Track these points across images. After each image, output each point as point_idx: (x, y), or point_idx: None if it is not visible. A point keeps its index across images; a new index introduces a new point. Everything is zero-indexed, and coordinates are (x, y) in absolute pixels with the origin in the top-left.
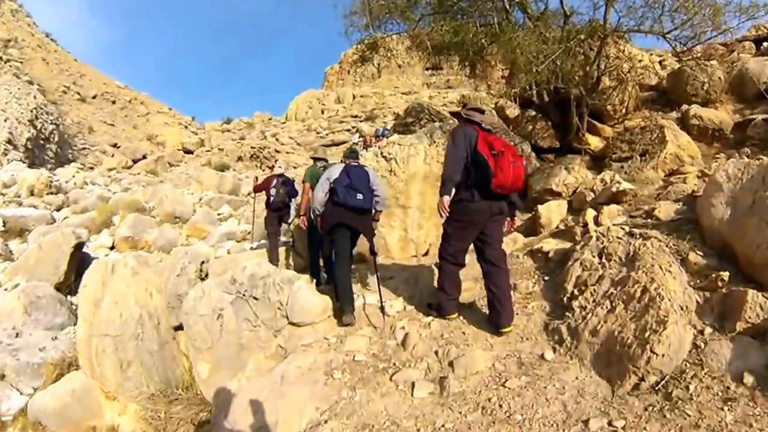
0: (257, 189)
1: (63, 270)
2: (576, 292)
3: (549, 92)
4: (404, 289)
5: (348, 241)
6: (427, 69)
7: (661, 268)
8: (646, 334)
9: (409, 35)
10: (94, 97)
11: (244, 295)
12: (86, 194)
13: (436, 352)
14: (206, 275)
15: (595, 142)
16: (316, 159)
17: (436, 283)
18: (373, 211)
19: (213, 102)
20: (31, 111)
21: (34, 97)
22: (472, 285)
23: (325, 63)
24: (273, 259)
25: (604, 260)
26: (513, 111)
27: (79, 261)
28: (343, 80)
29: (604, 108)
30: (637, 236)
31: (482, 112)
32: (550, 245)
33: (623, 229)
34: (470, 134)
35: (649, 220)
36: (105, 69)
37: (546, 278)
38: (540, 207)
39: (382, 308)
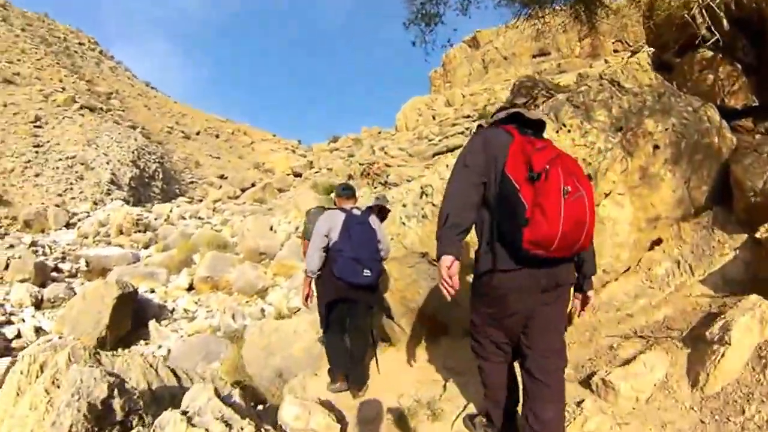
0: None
1: (104, 324)
2: None
3: (729, 12)
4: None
5: (345, 318)
6: (534, 56)
7: None
8: None
9: None
10: (197, 134)
11: None
12: (173, 231)
13: None
14: None
15: None
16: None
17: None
18: None
19: (317, 122)
20: (133, 152)
21: (135, 140)
22: None
23: (427, 67)
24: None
25: None
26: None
27: (134, 310)
28: (450, 82)
29: None
30: None
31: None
32: None
33: None
34: (496, 142)
35: None
36: (205, 106)
37: None
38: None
39: None
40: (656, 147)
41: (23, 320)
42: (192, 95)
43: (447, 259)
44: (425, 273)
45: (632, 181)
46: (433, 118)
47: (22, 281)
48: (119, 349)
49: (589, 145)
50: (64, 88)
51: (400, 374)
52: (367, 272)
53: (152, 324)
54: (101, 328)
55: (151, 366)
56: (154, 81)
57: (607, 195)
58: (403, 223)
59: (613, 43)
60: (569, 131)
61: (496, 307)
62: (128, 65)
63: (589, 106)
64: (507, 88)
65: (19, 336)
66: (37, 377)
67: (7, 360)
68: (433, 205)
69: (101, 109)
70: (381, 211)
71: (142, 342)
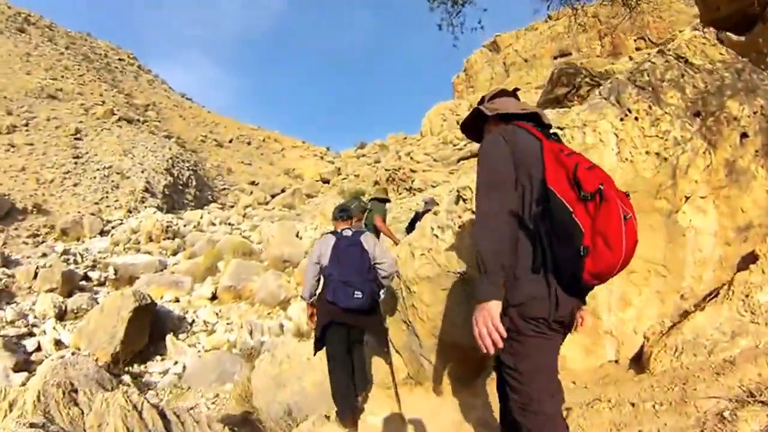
0: None
1: (119, 339)
2: None
3: None
4: None
5: (344, 341)
6: (555, 57)
7: None
8: None
9: None
10: (230, 142)
11: None
12: (201, 237)
13: None
14: None
15: None
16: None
17: None
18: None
19: (346, 130)
20: (167, 161)
21: (170, 149)
22: None
23: (449, 73)
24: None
25: None
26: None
27: (153, 323)
28: (472, 87)
29: None
30: None
31: (512, 94)
32: None
33: None
34: (523, 145)
35: None
36: (238, 116)
37: None
38: None
39: None
40: (744, 135)
41: (44, 332)
42: (226, 107)
43: (494, 308)
44: (462, 297)
45: (717, 179)
46: (457, 123)
47: (50, 291)
48: (135, 365)
49: (663, 135)
50: (103, 102)
51: (430, 421)
52: (358, 294)
53: (169, 338)
54: (116, 343)
55: (134, 408)
56: (190, 94)
57: (687, 198)
58: (436, 236)
59: (635, 40)
60: (636, 118)
61: (542, 335)
62: (166, 79)
63: (656, 87)
64: (528, 91)
65: (39, 349)
66: (5, 416)
67: (23, 375)
68: (473, 212)
69: (138, 120)
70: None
71: (158, 357)
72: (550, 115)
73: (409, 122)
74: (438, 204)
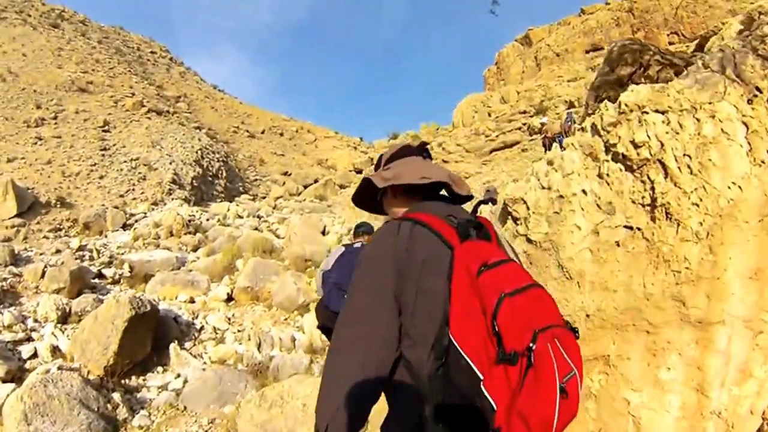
0: None
1: (113, 351)
2: None
3: None
4: None
5: None
6: (587, 52)
7: None
8: None
9: None
10: (262, 132)
11: None
12: (224, 232)
13: None
14: None
15: None
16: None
17: None
18: None
19: (378, 121)
20: (197, 152)
21: (199, 140)
22: None
23: (480, 65)
24: None
25: None
26: None
27: (157, 329)
28: (503, 80)
29: None
30: None
31: (422, 152)
32: None
33: None
34: (422, 257)
35: None
36: (271, 107)
37: None
38: None
39: None
40: None
41: (43, 337)
42: (259, 98)
43: None
44: None
45: None
46: (489, 114)
47: (57, 291)
48: (133, 377)
49: None
50: (133, 94)
51: None
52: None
53: (173, 348)
54: (109, 355)
55: None
56: (222, 86)
57: None
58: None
59: (668, 35)
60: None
61: None
62: (198, 71)
63: None
64: (560, 84)
65: (35, 355)
66: None
67: (9, 387)
68: (528, 240)
69: (168, 111)
70: (491, 202)
71: (159, 369)
72: (628, 97)
73: (440, 114)
74: (497, 192)
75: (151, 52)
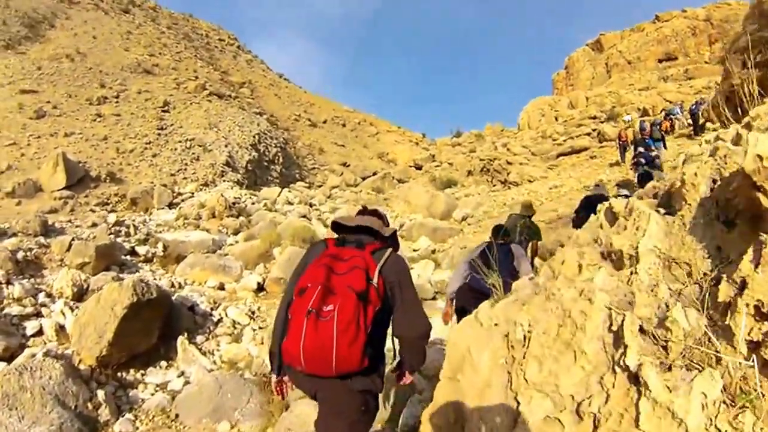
0: None
1: (108, 339)
2: None
3: None
4: None
5: None
6: (660, 61)
7: None
8: None
9: None
10: (324, 122)
11: None
12: (265, 217)
13: None
14: None
15: None
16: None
17: None
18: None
19: (440, 119)
20: (254, 136)
21: (258, 125)
22: None
23: (549, 69)
24: None
25: None
26: None
27: (169, 318)
28: (572, 85)
29: None
30: None
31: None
32: None
33: None
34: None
35: None
36: (335, 97)
37: None
38: None
39: None
40: None
41: (51, 314)
42: (324, 88)
43: None
44: None
45: None
46: (556, 119)
47: (81, 266)
48: (132, 371)
49: None
50: (197, 77)
51: None
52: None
53: (181, 341)
54: (103, 344)
55: None
56: (289, 74)
57: None
58: None
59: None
60: None
61: None
62: (265, 60)
63: None
64: (631, 92)
65: (40, 332)
66: None
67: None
68: None
69: (229, 96)
70: (601, 199)
71: (163, 363)
72: None
73: (505, 116)
74: (606, 189)
75: (219, 40)
